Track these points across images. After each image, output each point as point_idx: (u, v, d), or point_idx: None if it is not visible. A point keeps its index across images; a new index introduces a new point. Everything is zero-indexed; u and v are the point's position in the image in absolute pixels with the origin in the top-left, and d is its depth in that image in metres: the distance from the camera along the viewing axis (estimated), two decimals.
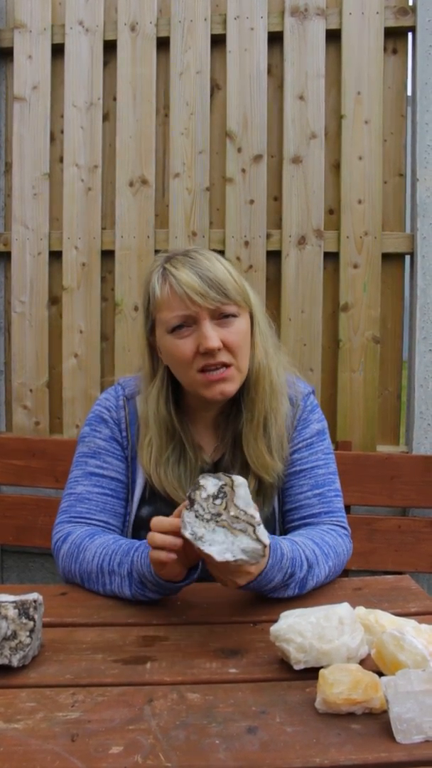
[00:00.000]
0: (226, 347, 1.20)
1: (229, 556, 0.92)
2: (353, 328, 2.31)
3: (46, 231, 2.47)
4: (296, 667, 0.87)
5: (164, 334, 1.22)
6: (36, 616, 0.92)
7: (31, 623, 0.91)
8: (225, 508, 0.94)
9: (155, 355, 1.30)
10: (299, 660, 0.87)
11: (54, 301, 2.50)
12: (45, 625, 1.02)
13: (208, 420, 1.34)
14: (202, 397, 1.23)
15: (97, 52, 2.43)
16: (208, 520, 0.93)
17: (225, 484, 0.96)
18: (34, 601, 0.92)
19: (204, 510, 0.94)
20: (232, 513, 0.93)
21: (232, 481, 0.96)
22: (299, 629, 0.87)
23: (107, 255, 2.46)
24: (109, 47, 2.44)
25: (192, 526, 0.93)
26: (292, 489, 1.32)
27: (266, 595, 1.10)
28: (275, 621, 0.94)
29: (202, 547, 0.92)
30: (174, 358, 1.22)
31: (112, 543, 1.17)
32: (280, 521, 1.34)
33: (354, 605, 0.98)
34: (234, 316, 1.21)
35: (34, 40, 2.47)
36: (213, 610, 1.10)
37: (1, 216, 2.58)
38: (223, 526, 0.93)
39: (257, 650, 0.96)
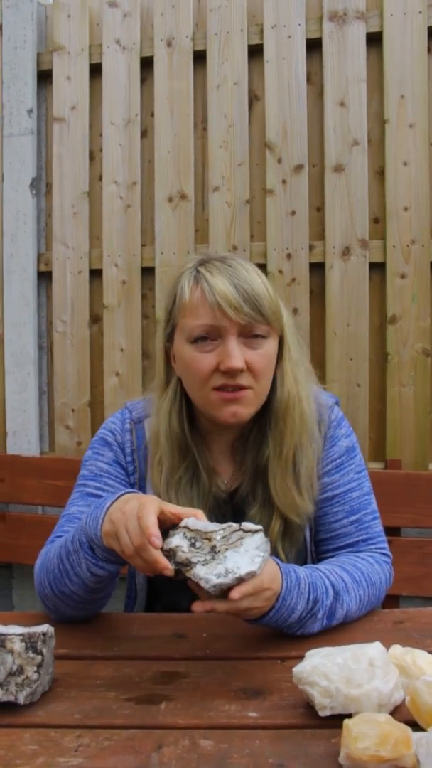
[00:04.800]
0: (250, 370, 1.11)
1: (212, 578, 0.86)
2: (402, 341, 2.21)
3: (86, 249, 2.47)
4: (321, 714, 0.79)
5: (183, 343, 1.14)
6: (44, 650, 0.86)
7: (39, 658, 0.85)
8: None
9: (170, 364, 1.21)
10: (324, 706, 0.78)
11: (95, 319, 2.49)
12: (61, 657, 0.97)
13: (224, 444, 1.24)
14: (213, 418, 1.15)
15: (134, 69, 2.42)
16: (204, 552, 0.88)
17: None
18: (43, 634, 0.87)
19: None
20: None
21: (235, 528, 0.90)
22: (324, 671, 0.78)
23: (147, 272, 2.42)
24: (146, 64, 2.42)
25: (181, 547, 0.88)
26: (326, 517, 1.22)
27: (295, 633, 1.02)
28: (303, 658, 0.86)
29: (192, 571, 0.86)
30: (190, 371, 1.14)
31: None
32: (313, 550, 1.24)
33: (392, 641, 0.90)
34: (263, 337, 1.12)
35: (72, 61, 2.48)
36: (239, 645, 1.02)
37: (43, 236, 2.58)
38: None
39: (282, 691, 0.87)
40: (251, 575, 0.86)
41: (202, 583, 0.85)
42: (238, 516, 1.20)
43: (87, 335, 2.46)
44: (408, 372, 2.20)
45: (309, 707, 0.82)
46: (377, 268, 2.25)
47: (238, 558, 0.86)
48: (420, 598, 1.96)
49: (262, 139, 2.33)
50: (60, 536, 1.16)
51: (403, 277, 2.21)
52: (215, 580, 0.85)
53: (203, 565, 0.86)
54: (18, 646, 0.84)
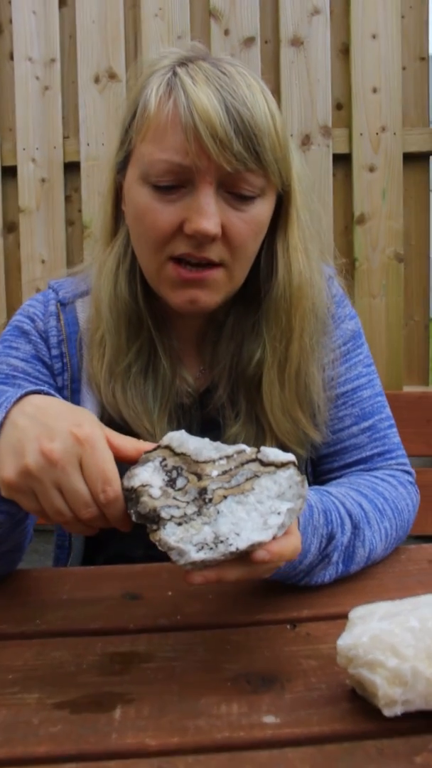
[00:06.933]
0: (226, 239, 0.76)
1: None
2: (371, 245, 1.97)
3: None
4: (387, 713, 0.47)
5: (137, 181, 0.77)
6: None
7: None
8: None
9: (120, 205, 0.85)
10: (394, 700, 0.47)
11: (10, 227, 2.14)
12: None
13: (188, 329, 0.90)
14: (164, 300, 0.82)
15: None
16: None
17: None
18: None
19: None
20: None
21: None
22: (392, 643, 0.47)
23: (71, 168, 2.08)
24: None
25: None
26: (330, 424, 0.90)
27: (300, 583, 0.71)
28: (328, 618, 0.55)
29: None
30: (141, 225, 0.78)
31: None
32: (311, 472, 0.93)
33: None
34: (255, 197, 0.77)
35: None
36: (222, 604, 0.70)
37: None
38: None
39: (307, 674, 0.55)
40: (257, 547, 0.53)
41: (173, 556, 0.53)
42: (209, 432, 0.87)
43: (1, 246, 2.11)
44: (379, 280, 1.97)
45: (358, 699, 0.51)
46: (342, 161, 2.00)
47: (243, 515, 0.53)
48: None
49: (205, 6, 2.02)
50: None
51: (371, 170, 1.96)
52: (194, 555, 0.52)
53: (178, 524, 0.53)
54: None
